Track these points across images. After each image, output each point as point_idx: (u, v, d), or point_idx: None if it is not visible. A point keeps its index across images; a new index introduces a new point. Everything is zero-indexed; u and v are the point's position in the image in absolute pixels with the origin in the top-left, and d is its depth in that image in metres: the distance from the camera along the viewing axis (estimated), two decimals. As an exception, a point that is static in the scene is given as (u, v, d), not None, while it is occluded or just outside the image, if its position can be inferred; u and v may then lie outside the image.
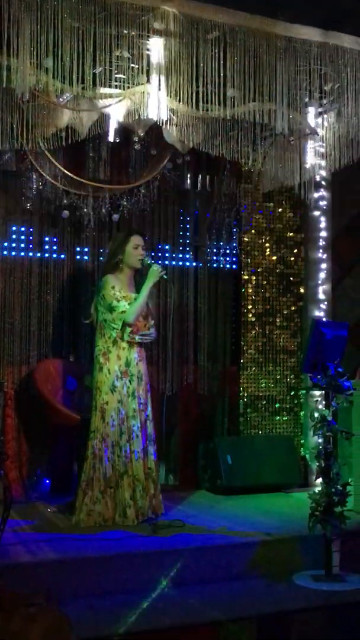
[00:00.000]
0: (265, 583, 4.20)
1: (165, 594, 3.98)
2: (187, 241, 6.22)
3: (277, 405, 6.44)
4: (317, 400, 6.09)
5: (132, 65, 4.46)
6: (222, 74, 4.51)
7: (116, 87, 4.55)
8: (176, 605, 3.83)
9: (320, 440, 4.39)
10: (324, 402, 4.49)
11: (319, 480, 4.41)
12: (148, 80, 4.52)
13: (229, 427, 6.28)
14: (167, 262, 6.11)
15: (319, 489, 4.38)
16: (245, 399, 6.33)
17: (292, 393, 6.50)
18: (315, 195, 6.16)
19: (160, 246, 6.10)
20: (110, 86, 4.54)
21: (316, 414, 4.46)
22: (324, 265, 6.52)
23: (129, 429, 4.78)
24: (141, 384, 4.90)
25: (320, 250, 6.51)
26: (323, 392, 4.54)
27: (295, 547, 4.46)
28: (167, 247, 6.14)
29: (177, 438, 6.15)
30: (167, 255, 6.13)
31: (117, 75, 4.50)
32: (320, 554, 4.31)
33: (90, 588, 3.91)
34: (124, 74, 4.48)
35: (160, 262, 6.03)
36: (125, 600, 3.85)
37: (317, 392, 5.90)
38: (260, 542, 4.40)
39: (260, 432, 6.36)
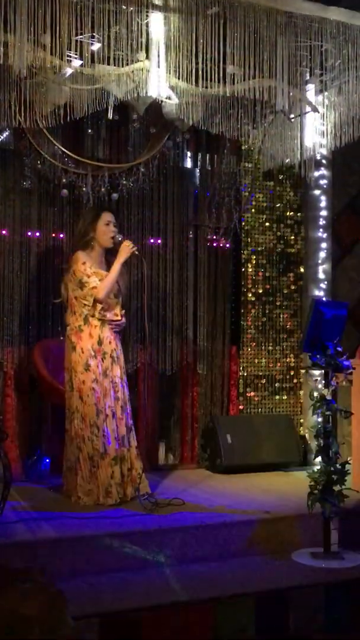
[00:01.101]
0: (264, 560, 4.23)
1: (165, 571, 4.00)
2: (187, 220, 6.18)
3: (276, 385, 6.45)
4: (316, 379, 6.10)
5: (131, 41, 4.41)
6: (221, 50, 4.45)
7: (115, 64, 4.50)
8: (175, 583, 3.85)
9: (319, 419, 4.40)
10: (323, 382, 4.49)
11: (318, 459, 4.42)
12: (147, 57, 4.47)
13: (228, 406, 6.29)
14: (167, 241, 6.08)
15: (318, 467, 4.39)
16: (245, 378, 6.34)
17: (292, 372, 6.51)
18: (316, 174, 6.13)
19: (159, 224, 6.07)
20: (109, 63, 4.50)
21: (315, 393, 4.47)
22: (324, 245, 6.51)
23: (105, 409, 4.75)
24: (116, 363, 4.85)
25: (321, 230, 6.50)
26: (322, 371, 4.53)
27: (294, 525, 4.48)
28: (168, 226, 6.10)
29: (176, 417, 6.17)
30: (167, 233, 6.09)
31: (116, 52, 4.45)
32: (319, 532, 4.33)
33: (90, 566, 3.94)
34: (122, 51, 4.43)
35: (159, 241, 6.03)
36: (125, 578, 3.87)
37: (316, 372, 5.89)
38: (259, 520, 4.42)
39: (259, 411, 6.37)
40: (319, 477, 4.30)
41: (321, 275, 6.49)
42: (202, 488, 5.29)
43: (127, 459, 4.79)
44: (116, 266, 4.82)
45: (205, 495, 5.04)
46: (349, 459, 5.20)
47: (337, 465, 4.33)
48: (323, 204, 6.49)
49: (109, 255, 4.95)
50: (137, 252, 4.90)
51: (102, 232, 4.88)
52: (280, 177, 6.49)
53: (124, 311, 4.99)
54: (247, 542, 4.33)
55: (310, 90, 5.12)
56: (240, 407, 6.32)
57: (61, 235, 5.75)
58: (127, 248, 4.83)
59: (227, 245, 6.33)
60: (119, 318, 4.90)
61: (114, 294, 4.88)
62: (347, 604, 3.91)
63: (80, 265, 4.82)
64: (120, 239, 4.89)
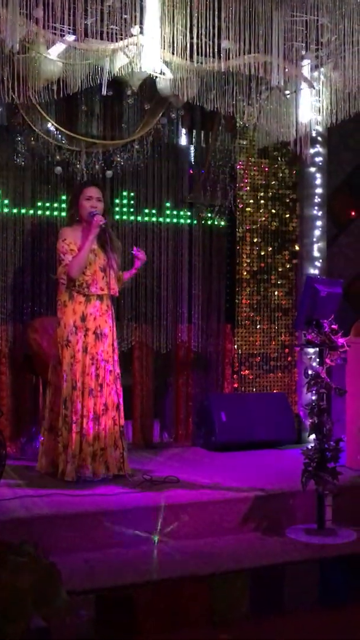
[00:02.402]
0: (258, 537, 4.26)
1: (159, 548, 4.03)
2: (182, 198, 6.15)
3: (271, 363, 6.46)
4: (311, 357, 6.11)
5: (125, 16, 4.35)
6: (216, 25, 4.40)
7: (109, 38, 4.44)
8: (170, 559, 3.88)
9: (313, 397, 4.41)
10: (317, 359, 4.49)
11: (312, 436, 4.44)
12: (141, 32, 4.42)
13: (223, 384, 6.30)
14: (161, 219, 6.05)
15: (312, 445, 4.41)
16: (240, 357, 6.34)
17: (287, 350, 6.52)
18: (311, 151, 6.08)
19: (154, 202, 6.03)
20: (102, 38, 4.44)
21: (310, 371, 4.47)
22: (319, 223, 6.48)
23: (83, 385, 4.73)
24: (101, 340, 4.80)
25: (316, 208, 6.47)
26: (317, 349, 4.54)
27: (288, 502, 4.51)
28: (163, 203, 6.06)
29: (171, 395, 6.18)
30: (162, 211, 6.06)
31: (110, 27, 4.39)
32: (313, 508, 4.36)
33: (85, 542, 3.96)
34: (116, 25, 4.38)
35: (154, 218, 6.00)
36: (120, 554, 3.90)
37: (311, 350, 5.91)
38: (253, 497, 4.44)
39: (254, 389, 6.39)
40: (313, 454, 4.32)
41: (316, 253, 6.47)
42: (197, 466, 5.31)
43: (101, 437, 4.75)
44: (86, 243, 4.75)
45: (199, 472, 5.05)
46: (342, 436, 5.22)
47: (331, 443, 4.34)
48: (318, 181, 6.45)
49: (102, 231, 4.89)
50: (103, 226, 4.79)
51: (82, 206, 4.84)
52: (275, 154, 6.45)
53: (116, 284, 4.92)
54: (241, 519, 4.35)
55: (306, 65, 5.08)
56: (235, 385, 6.33)
57: (55, 213, 5.71)
58: (94, 222, 4.75)
59: (222, 223, 6.31)
60: (105, 292, 4.83)
61: (101, 267, 4.82)
62: (340, 579, 3.94)
63: (60, 242, 4.81)
64: (94, 213, 4.79)
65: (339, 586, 3.92)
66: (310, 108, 5.33)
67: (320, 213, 6.48)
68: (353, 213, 6.84)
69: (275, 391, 6.44)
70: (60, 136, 5.57)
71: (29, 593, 1.84)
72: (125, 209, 5.92)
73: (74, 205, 4.89)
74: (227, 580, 3.69)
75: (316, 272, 6.43)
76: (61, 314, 4.81)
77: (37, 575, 1.87)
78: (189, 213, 6.17)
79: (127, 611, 3.45)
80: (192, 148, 6.19)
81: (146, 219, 6.01)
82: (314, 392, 4.39)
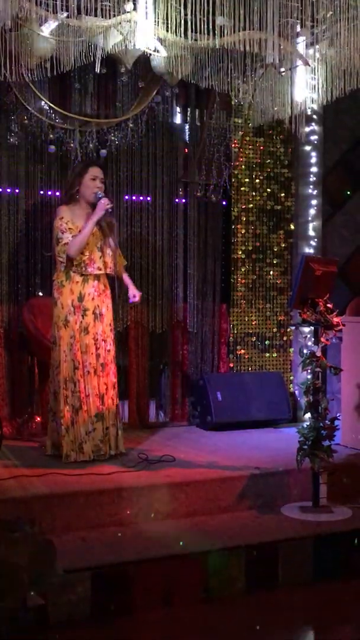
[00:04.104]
0: (254, 515, 4.29)
1: (156, 526, 4.05)
2: (177, 176, 6.12)
3: (266, 342, 6.47)
4: (306, 336, 6.11)
5: (118, -9, 4.30)
6: (211, 1, 4.35)
7: (102, 15, 4.39)
8: (166, 537, 3.90)
9: (309, 376, 4.42)
10: (313, 339, 4.50)
11: (308, 415, 4.45)
12: (135, 8, 4.36)
13: (218, 364, 6.31)
14: (156, 199, 6.02)
15: (308, 423, 4.43)
16: (235, 336, 6.35)
17: (282, 330, 6.52)
18: (307, 129, 6.04)
19: (149, 181, 6.00)
20: (96, 15, 4.39)
21: (305, 350, 4.48)
22: (314, 202, 6.47)
23: (83, 365, 4.74)
24: (99, 320, 4.80)
25: (311, 187, 6.45)
26: (312, 328, 4.54)
27: (284, 480, 4.53)
28: (157, 182, 6.03)
29: (167, 375, 6.19)
30: (156, 190, 6.03)
31: (103, 3, 4.33)
32: (308, 486, 4.39)
33: (82, 521, 3.98)
34: (109, 2, 4.32)
35: (149, 197, 5.97)
36: (116, 533, 3.92)
37: (306, 329, 5.91)
38: (249, 475, 4.47)
39: (249, 369, 6.40)
40: (309, 432, 4.34)
41: (311, 233, 6.47)
42: (193, 445, 5.33)
43: (106, 416, 4.78)
44: (89, 223, 4.73)
45: (195, 451, 5.08)
46: (338, 415, 5.25)
47: (327, 421, 4.36)
48: (313, 160, 6.43)
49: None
50: (110, 210, 4.78)
51: (86, 186, 4.81)
52: (271, 132, 6.41)
53: (113, 263, 4.89)
54: (237, 497, 4.38)
55: (301, 42, 5.02)
56: (231, 364, 6.34)
57: (49, 192, 5.69)
58: (101, 205, 4.74)
59: (217, 202, 6.28)
60: (102, 271, 4.82)
61: (98, 247, 4.80)
62: (335, 556, 3.97)
63: (57, 220, 4.78)
64: (100, 195, 4.79)
65: (334, 563, 3.95)
66: (306, 86, 5.28)
67: (315, 192, 6.47)
68: (348, 192, 6.82)
69: (270, 370, 6.45)
70: (53, 115, 5.53)
71: (25, 569, 1.85)
72: (119, 188, 5.88)
73: (78, 183, 4.85)
74: (222, 557, 3.72)
75: (311, 251, 6.42)
76: (58, 294, 4.80)
77: (34, 552, 1.88)
78: (183, 192, 6.14)
79: (124, 588, 3.47)
80: (186, 126, 6.14)
81: (141, 198, 5.98)
82: (309, 371, 4.40)
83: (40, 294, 5.63)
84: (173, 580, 3.59)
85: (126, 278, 5.09)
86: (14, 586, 1.86)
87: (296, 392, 6.33)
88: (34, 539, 1.81)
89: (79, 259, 4.74)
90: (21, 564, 1.85)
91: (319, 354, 4.38)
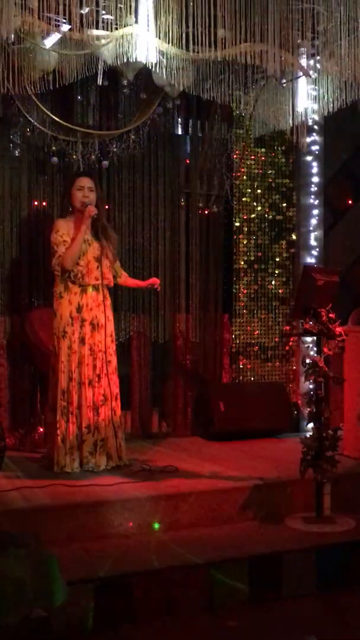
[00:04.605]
0: (257, 526, 4.28)
1: (158, 537, 4.05)
2: (178, 187, 6.14)
3: (269, 352, 6.47)
4: (308, 346, 6.12)
5: (120, 5, 4.33)
6: (212, 14, 4.38)
7: (104, 28, 4.42)
8: (169, 548, 3.89)
9: (311, 386, 4.42)
10: (315, 348, 4.50)
11: (311, 425, 4.45)
12: (136, 21, 4.39)
13: (221, 374, 6.31)
14: (158, 209, 6.04)
15: (311, 433, 4.42)
16: (237, 346, 6.35)
17: (284, 339, 6.53)
18: (308, 139, 6.06)
19: (150, 192, 6.02)
20: (97, 27, 4.42)
21: (308, 360, 4.48)
22: (315, 211, 6.49)
23: (80, 376, 4.74)
24: (97, 331, 4.80)
25: (312, 196, 6.48)
26: (314, 338, 4.54)
27: (287, 491, 4.52)
28: (159, 193, 6.05)
29: (169, 385, 6.18)
30: (158, 201, 6.05)
31: (105, 16, 4.37)
32: (312, 497, 4.38)
33: (85, 532, 3.97)
34: (111, 15, 4.36)
35: (151, 208, 5.99)
36: (119, 544, 3.91)
37: (308, 338, 5.92)
38: (252, 486, 4.46)
39: (252, 379, 6.40)
40: (312, 443, 4.34)
41: (313, 242, 6.48)
42: (195, 455, 5.32)
43: (101, 428, 4.77)
44: (78, 234, 4.75)
45: (198, 462, 5.07)
46: (340, 424, 5.25)
47: (329, 431, 4.36)
48: (315, 170, 6.46)
49: (94, 221, 4.88)
50: (95, 216, 4.79)
51: (74, 197, 4.85)
52: (272, 143, 6.44)
53: (111, 274, 4.91)
54: (240, 508, 4.37)
55: (302, 54, 5.05)
56: (233, 374, 6.34)
57: (52, 203, 5.70)
58: (86, 213, 4.76)
59: (219, 213, 6.29)
60: (100, 282, 4.82)
61: (95, 257, 4.81)
62: (339, 567, 3.96)
63: (53, 234, 4.82)
64: (87, 204, 4.80)
65: (338, 574, 3.94)
66: (307, 96, 5.32)
67: (317, 202, 6.49)
68: (350, 201, 6.84)
69: (273, 380, 6.45)
70: (56, 127, 5.55)
71: (29, 584, 1.85)
72: (121, 199, 5.90)
73: (66, 195, 4.90)
74: (226, 569, 3.71)
75: (313, 260, 6.44)
76: (57, 305, 4.81)
77: (38, 567, 1.88)
78: (185, 203, 6.16)
79: (127, 600, 3.46)
80: (188, 138, 6.17)
81: (143, 208, 6.00)
82: (312, 381, 4.40)
83: (43, 304, 5.63)
84: (176, 591, 3.58)
85: (131, 281, 5.09)
86: (18, 601, 1.86)
87: (299, 402, 6.32)
88: (38, 554, 1.81)
89: (76, 270, 4.76)
90: (25, 579, 1.85)
91: (321, 364, 4.38)
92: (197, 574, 3.66)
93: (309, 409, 4.44)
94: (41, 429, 5.56)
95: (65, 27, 4.31)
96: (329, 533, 4.18)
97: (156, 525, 4.12)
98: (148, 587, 3.52)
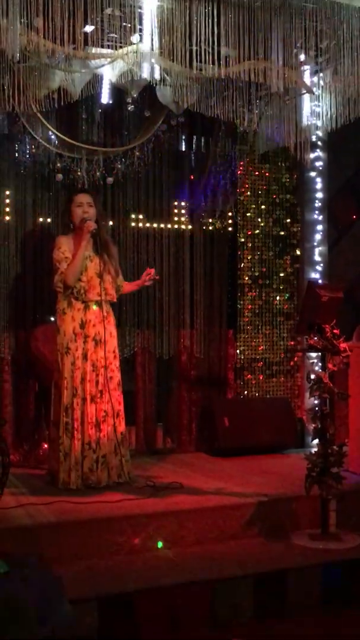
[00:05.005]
0: (262, 542, 4.26)
1: (163, 554, 4.03)
2: (183, 203, 6.16)
3: (273, 367, 6.46)
4: (313, 361, 6.12)
5: (124, 24, 4.37)
6: (216, 32, 4.41)
7: (108, 46, 4.46)
8: (174, 565, 3.88)
9: (316, 402, 4.41)
10: (320, 364, 4.50)
11: (316, 441, 4.44)
12: (141, 40, 4.43)
13: (225, 389, 6.30)
14: (162, 226, 6.07)
15: (316, 449, 4.41)
16: (242, 362, 6.35)
17: (289, 355, 6.52)
18: (312, 155, 6.10)
19: (155, 208, 6.05)
20: (102, 46, 4.46)
21: (312, 376, 4.48)
22: (320, 227, 6.51)
23: (83, 392, 4.74)
24: (100, 347, 4.80)
25: (317, 212, 6.50)
26: (319, 353, 4.54)
27: (292, 507, 4.50)
28: (164, 209, 6.08)
29: (174, 401, 6.18)
30: (162, 217, 6.08)
31: (109, 35, 4.41)
32: (317, 513, 4.36)
33: (90, 550, 3.96)
34: (116, 33, 4.40)
35: (155, 224, 6.01)
36: (124, 561, 3.90)
37: (313, 354, 5.91)
38: (257, 502, 4.44)
39: (257, 394, 6.39)
40: (317, 459, 4.32)
41: (317, 258, 6.50)
42: (200, 471, 5.31)
43: (103, 444, 4.75)
44: (79, 250, 4.76)
45: (203, 478, 5.06)
46: (346, 440, 5.23)
47: (335, 447, 4.35)
48: (319, 185, 6.48)
49: (94, 237, 4.89)
50: (94, 231, 4.81)
51: (75, 214, 4.87)
52: (276, 159, 6.46)
53: (113, 290, 4.91)
54: (245, 525, 4.35)
55: (306, 71, 5.09)
56: (238, 390, 6.33)
57: (56, 220, 5.73)
58: (85, 228, 4.77)
59: (223, 229, 6.31)
60: (102, 298, 4.82)
61: (97, 273, 4.82)
62: (345, 584, 3.94)
63: (55, 251, 4.84)
64: (86, 219, 4.81)
65: (344, 591, 3.92)
66: (310, 113, 5.35)
67: (321, 217, 6.50)
68: (354, 217, 6.85)
69: (277, 395, 6.44)
70: (60, 144, 5.59)
71: (34, 605, 1.84)
72: (126, 215, 5.93)
73: (67, 213, 4.93)
74: (231, 586, 3.69)
75: (317, 276, 6.44)
76: (60, 321, 4.82)
77: (42, 588, 1.87)
78: (190, 219, 6.18)
79: (131, 617, 3.45)
80: (192, 154, 6.20)
81: (147, 225, 6.02)
82: (316, 396, 4.39)
83: (47, 320, 5.64)
84: (181, 609, 3.56)
85: (129, 286, 5.11)
86: (23, 622, 1.85)
87: (304, 417, 6.31)
88: (43, 575, 1.80)
89: (78, 286, 4.77)
90: (30, 600, 1.84)
91: (326, 379, 4.38)
92: (202, 591, 3.64)
93: (313, 425, 4.42)
94: (45, 445, 5.55)
95: (70, 46, 4.35)
96: (334, 550, 4.16)
97: (160, 543, 4.10)
98: (153, 604, 3.50)
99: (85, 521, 4.07)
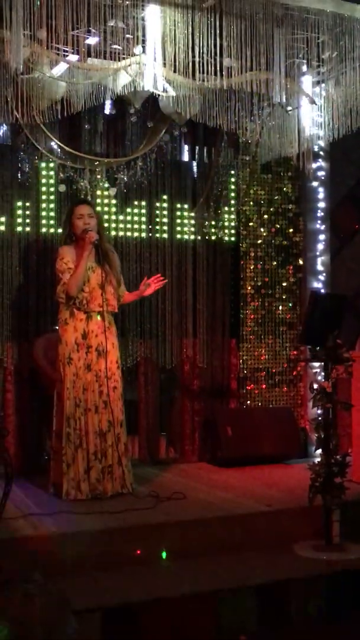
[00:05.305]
0: (266, 553, 4.24)
1: (167, 565, 4.02)
2: (185, 213, 6.17)
3: (276, 377, 6.46)
4: (316, 371, 6.11)
5: (127, 35, 4.40)
6: (218, 43, 4.44)
7: (111, 58, 4.49)
8: (177, 576, 3.86)
9: (319, 412, 4.41)
10: (323, 374, 4.49)
11: (319, 451, 4.43)
12: (144, 51, 4.46)
13: (228, 399, 6.30)
14: (165, 235, 6.08)
15: (319, 459, 4.40)
16: (245, 371, 6.34)
17: (292, 364, 6.52)
18: (314, 165, 6.12)
19: (157, 218, 6.07)
20: (105, 57, 4.49)
21: (315, 386, 4.47)
22: (322, 237, 6.52)
23: (86, 402, 4.74)
24: (102, 356, 4.80)
25: (319, 221, 6.51)
26: (322, 363, 4.54)
27: (296, 518, 4.49)
28: (167, 219, 6.10)
29: (177, 411, 6.17)
30: (165, 227, 6.09)
31: (112, 46, 4.44)
32: (321, 524, 4.34)
33: (92, 561, 3.94)
34: (119, 45, 4.43)
35: (157, 234, 6.03)
36: (127, 572, 3.88)
37: (316, 364, 5.91)
38: (261, 513, 4.43)
39: (260, 404, 6.38)
40: (320, 469, 4.31)
41: (320, 267, 6.50)
42: (203, 481, 5.30)
43: (108, 455, 4.75)
44: (82, 261, 4.77)
45: (206, 488, 5.05)
46: (349, 450, 5.22)
47: (338, 457, 4.34)
48: (321, 195, 6.49)
49: (96, 248, 4.89)
50: (96, 242, 4.81)
51: (76, 226, 4.87)
52: (278, 169, 6.48)
53: (115, 300, 4.91)
54: (248, 535, 4.33)
55: (307, 82, 5.12)
56: (241, 399, 6.32)
57: (59, 230, 5.74)
58: (87, 239, 4.78)
59: (226, 238, 6.33)
60: (104, 308, 4.82)
61: (99, 284, 4.82)
62: (349, 595, 3.92)
63: (58, 261, 4.85)
64: (88, 230, 4.81)
65: (348, 602, 3.90)
66: (312, 123, 5.37)
67: (323, 227, 6.51)
68: (356, 226, 6.86)
69: (280, 405, 6.43)
70: (63, 154, 5.61)
71: (38, 621, 1.84)
72: (129, 225, 5.95)
73: (68, 225, 4.94)
74: (234, 597, 3.68)
75: (320, 285, 6.45)
76: (62, 331, 4.83)
77: (46, 604, 1.87)
78: (192, 229, 6.20)
79: (134, 629, 3.43)
80: (195, 164, 6.22)
81: (150, 234, 6.04)
82: (319, 406, 4.38)
83: (50, 330, 5.65)
84: (185, 620, 3.55)
85: (130, 296, 5.11)
86: (28, 639, 1.85)
87: (307, 427, 6.30)
88: (46, 591, 1.80)
89: (80, 297, 4.78)
90: (34, 617, 1.83)
91: (329, 389, 4.37)
92: (206, 602, 3.62)
93: (316, 435, 4.41)
94: (47, 457, 5.54)
95: (73, 57, 4.38)
96: (338, 561, 4.14)
97: (164, 554, 4.09)
98: (157, 615, 3.49)
99: (88, 532, 4.06)
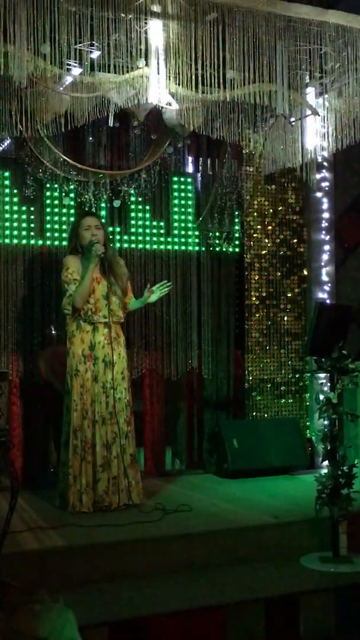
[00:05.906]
0: (273, 566, 4.22)
1: (173, 578, 4.00)
2: (189, 225, 6.18)
3: (282, 388, 6.44)
4: (322, 382, 6.09)
5: (131, 48, 4.41)
6: (221, 56, 4.45)
7: (115, 71, 4.50)
8: (184, 589, 3.84)
9: (325, 423, 4.39)
10: (329, 384, 4.48)
11: (325, 462, 4.41)
12: (147, 64, 4.47)
13: (234, 410, 6.28)
14: (169, 247, 6.09)
15: (325, 471, 4.39)
16: (250, 382, 6.33)
17: (297, 375, 6.50)
18: (317, 176, 6.13)
19: (162, 230, 6.07)
20: (108, 71, 4.50)
21: (321, 397, 4.46)
22: (327, 247, 6.52)
23: (93, 414, 4.73)
24: (109, 368, 4.80)
25: (323, 232, 6.51)
26: (328, 374, 4.53)
27: (303, 530, 4.47)
28: (171, 231, 6.11)
29: (182, 422, 6.16)
30: (170, 239, 6.10)
31: (116, 60, 4.45)
32: (328, 536, 4.32)
33: (99, 574, 3.93)
34: (122, 58, 4.44)
35: (162, 246, 6.03)
36: (134, 585, 3.87)
37: (321, 375, 5.88)
38: (267, 525, 4.41)
39: (265, 415, 6.37)
40: (327, 480, 4.29)
41: (325, 278, 6.50)
42: (209, 493, 5.28)
43: (113, 466, 4.74)
44: (87, 272, 4.77)
45: (212, 500, 5.03)
46: (356, 462, 5.18)
47: (344, 469, 4.32)
48: (325, 206, 6.50)
49: (102, 259, 4.90)
50: (102, 255, 4.82)
51: (82, 237, 4.89)
52: (282, 180, 6.49)
53: (120, 311, 4.93)
54: (255, 548, 4.32)
55: (310, 93, 5.12)
56: (246, 411, 6.30)
57: (64, 243, 5.75)
58: (93, 251, 4.78)
59: (230, 250, 6.33)
60: (109, 319, 4.83)
61: (104, 295, 4.84)
62: (358, 607, 3.89)
63: (64, 272, 4.87)
64: (94, 241, 4.82)
65: (357, 615, 3.87)
66: (316, 134, 5.37)
67: (327, 237, 6.52)
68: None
69: (286, 416, 6.41)
70: (68, 167, 5.62)
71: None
72: (133, 237, 5.96)
73: (74, 237, 4.95)
74: (242, 611, 3.66)
75: (325, 296, 6.44)
76: (70, 343, 4.83)
77: (54, 622, 1.85)
78: (197, 240, 6.20)
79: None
80: (198, 176, 6.23)
81: (154, 246, 6.04)
82: (325, 417, 4.37)
83: (56, 342, 5.65)
84: (192, 634, 3.53)
85: (136, 304, 5.11)
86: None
87: (313, 438, 6.28)
88: (54, 610, 1.78)
89: (86, 308, 4.78)
90: (42, 636, 1.82)
91: (335, 400, 4.36)
92: (213, 615, 3.60)
93: (323, 446, 4.40)
94: (53, 470, 5.54)
95: (77, 71, 4.40)
96: (346, 573, 4.11)
97: (171, 566, 4.07)
98: (164, 629, 3.47)
99: (94, 545, 4.05)
